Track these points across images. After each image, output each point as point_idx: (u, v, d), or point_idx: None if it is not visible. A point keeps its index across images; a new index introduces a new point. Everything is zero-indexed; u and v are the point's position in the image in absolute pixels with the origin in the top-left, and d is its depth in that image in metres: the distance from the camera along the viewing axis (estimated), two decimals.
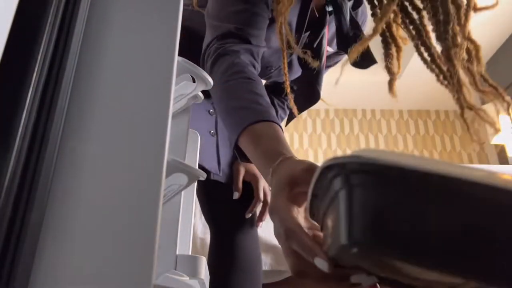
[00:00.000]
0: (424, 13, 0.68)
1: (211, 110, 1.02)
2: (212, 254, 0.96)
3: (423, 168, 0.30)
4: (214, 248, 0.96)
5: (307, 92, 0.98)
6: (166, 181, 0.44)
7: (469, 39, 0.66)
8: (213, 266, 0.92)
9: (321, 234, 0.45)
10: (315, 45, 0.89)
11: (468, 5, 0.64)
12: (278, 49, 0.88)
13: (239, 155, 0.96)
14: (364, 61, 0.84)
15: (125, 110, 0.38)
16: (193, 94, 0.56)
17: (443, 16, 0.62)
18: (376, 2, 0.76)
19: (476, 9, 0.66)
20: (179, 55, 0.44)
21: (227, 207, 0.98)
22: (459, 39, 0.62)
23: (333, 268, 0.38)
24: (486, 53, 3.11)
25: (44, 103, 0.33)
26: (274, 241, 1.34)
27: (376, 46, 0.80)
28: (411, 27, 0.71)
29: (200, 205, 1.03)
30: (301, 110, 0.95)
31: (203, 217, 1.43)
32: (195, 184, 0.62)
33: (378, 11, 0.74)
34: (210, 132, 0.99)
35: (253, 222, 1.00)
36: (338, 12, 0.82)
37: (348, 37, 0.81)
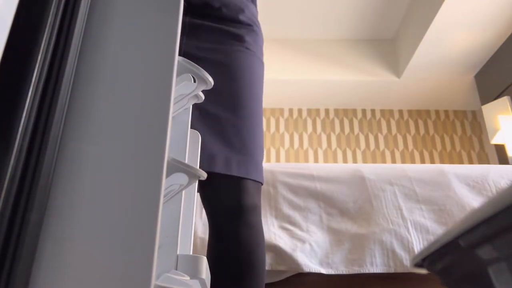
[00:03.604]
0: None
1: None
2: (208, 247, 0.87)
3: None
4: (210, 238, 0.88)
5: None
6: (167, 181, 0.44)
7: None
8: (209, 259, 0.84)
9: None
10: None
11: None
12: None
13: None
14: None
15: (125, 110, 0.38)
16: (193, 94, 0.56)
17: None
18: None
19: None
20: None
21: (215, 196, 0.86)
22: None
23: None
24: (486, 53, 3.11)
25: (44, 103, 0.33)
26: (274, 241, 1.34)
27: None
28: None
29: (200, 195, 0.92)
30: None
31: (203, 216, 1.43)
32: (196, 183, 0.62)
33: None
34: None
35: (248, 209, 0.85)
36: None
37: None
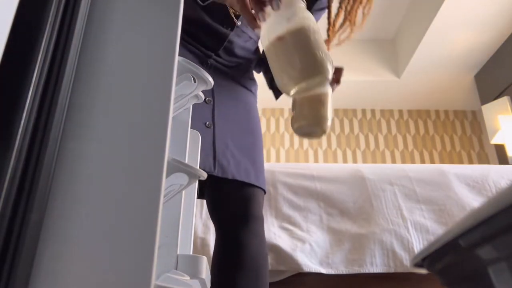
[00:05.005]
0: None
1: (208, 99, 0.99)
2: (216, 253, 0.95)
3: None
4: (218, 247, 0.96)
5: None
6: (167, 181, 0.44)
7: None
8: (218, 266, 0.93)
9: None
10: None
11: None
12: None
13: None
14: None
15: (125, 110, 0.38)
16: (193, 94, 0.56)
17: None
18: None
19: None
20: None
21: (229, 203, 0.98)
22: None
23: None
24: (486, 53, 3.12)
25: (44, 103, 0.33)
26: (274, 240, 1.34)
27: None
28: None
29: (206, 201, 1.04)
30: None
31: (203, 216, 1.43)
32: (196, 183, 0.62)
33: None
34: (205, 124, 0.96)
35: (257, 219, 0.98)
36: None
37: None
